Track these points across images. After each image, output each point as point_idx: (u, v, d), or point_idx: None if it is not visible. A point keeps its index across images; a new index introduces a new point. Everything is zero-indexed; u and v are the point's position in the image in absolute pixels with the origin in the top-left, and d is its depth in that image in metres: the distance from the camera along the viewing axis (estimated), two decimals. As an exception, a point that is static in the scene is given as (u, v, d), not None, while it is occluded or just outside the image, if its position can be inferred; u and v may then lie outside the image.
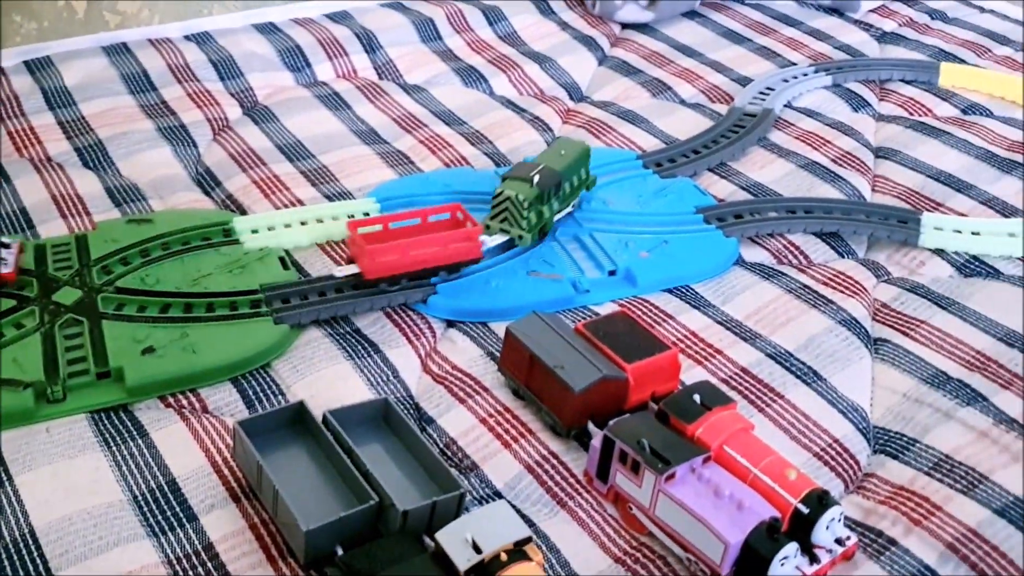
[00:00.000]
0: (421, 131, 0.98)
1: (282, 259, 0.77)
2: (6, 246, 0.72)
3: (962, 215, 0.89)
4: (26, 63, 1.03)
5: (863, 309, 0.76)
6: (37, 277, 0.72)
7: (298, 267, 0.78)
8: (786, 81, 1.09)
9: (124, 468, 0.59)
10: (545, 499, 0.60)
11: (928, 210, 0.89)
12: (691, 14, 1.28)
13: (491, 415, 0.65)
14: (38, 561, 0.53)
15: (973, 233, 0.85)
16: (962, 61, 1.18)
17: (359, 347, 0.70)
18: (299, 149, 0.94)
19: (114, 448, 0.61)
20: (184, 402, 0.65)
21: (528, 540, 0.52)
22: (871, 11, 1.31)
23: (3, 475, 0.58)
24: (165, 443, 0.61)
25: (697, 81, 1.11)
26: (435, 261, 0.74)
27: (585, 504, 0.59)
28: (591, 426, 0.62)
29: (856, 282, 0.79)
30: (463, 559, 0.50)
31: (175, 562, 0.54)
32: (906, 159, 0.97)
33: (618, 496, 0.58)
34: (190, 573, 0.53)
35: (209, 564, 0.54)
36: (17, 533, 0.55)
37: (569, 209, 0.84)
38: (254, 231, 0.80)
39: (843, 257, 0.83)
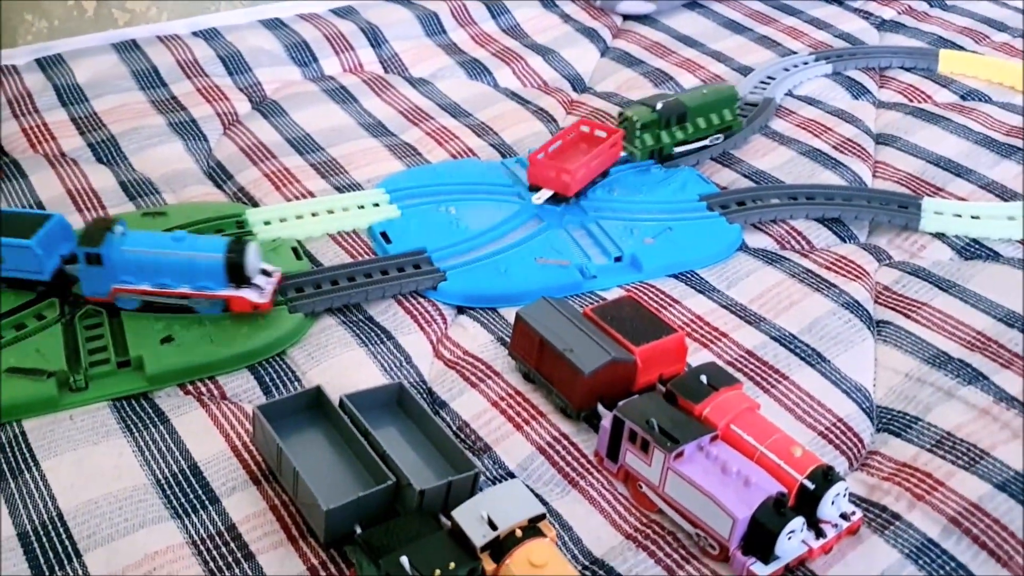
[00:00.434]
0: (427, 123, 1.00)
1: (295, 249, 0.78)
2: (267, 274, 0.70)
3: (962, 199, 0.90)
4: (38, 61, 1.04)
5: (865, 292, 0.78)
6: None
7: (311, 257, 0.79)
8: (787, 70, 1.10)
9: (147, 453, 0.61)
10: (557, 479, 0.61)
11: (928, 195, 0.90)
12: (692, 4, 1.29)
13: (502, 398, 0.67)
14: (67, 543, 0.55)
15: (973, 217, 0.86)
16: (961, 48, 1.19)
17: (372, 334, 0.71)
18: (308, 142, 0.95)
19: (136, 434, 0.62)
20: (203, 389, 0.67)
21: (542, 517, 0.53)
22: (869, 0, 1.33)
23: (30, 461, 0.60)
24: (186, 429, 0.63)
25: (699, 71, 1.12)
26: (602, 167, 0.86)
27: (596, 483, 0.61)
28: (600, 408, 0.63)
29: (858, 266, 0.80)
30: (479, 535, 0.51)
31: (199, 542, 0.56)
32: (906, 145, 0.98)
33: (628, 475, 0.60)
34: (214, 553, 0.55)
35: (232, 544, 0.56)
36: (45, 516, 0.57)
37: (704, 144, 0.93)
38: (267, 223, 0.81)
39: (845, 242, 0.85)
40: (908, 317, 0.75)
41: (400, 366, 0.69)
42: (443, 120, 1.00)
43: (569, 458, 0.62)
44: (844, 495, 0.56)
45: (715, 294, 0.77)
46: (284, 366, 0.69)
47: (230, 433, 0.63)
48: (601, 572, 0.56)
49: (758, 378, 0.69)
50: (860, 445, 0.65)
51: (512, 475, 0.62)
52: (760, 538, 0.54)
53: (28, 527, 0.56)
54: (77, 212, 0.83)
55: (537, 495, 0.60)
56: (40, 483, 0.58)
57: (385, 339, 0.71)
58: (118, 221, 0.69)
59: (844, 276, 0.79)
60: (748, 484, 0.55)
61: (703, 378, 0.61)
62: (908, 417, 0.67)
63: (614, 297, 0.73)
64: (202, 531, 0.56)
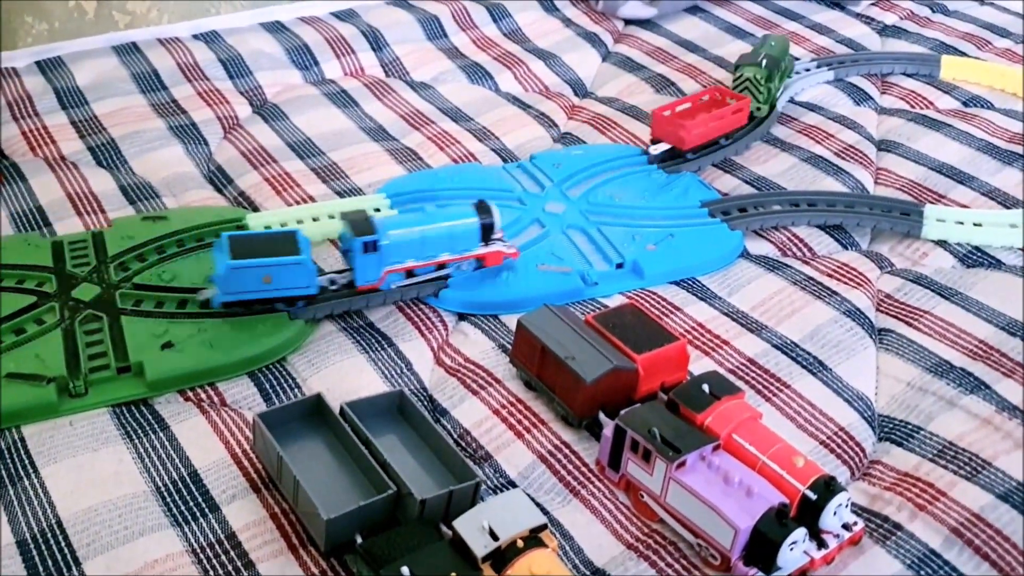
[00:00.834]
0: (429, 128, 1.00)
1: (295, 255, 0.78)
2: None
3: (964, 206, 0.90)
4: (38, 63, 1.04)
5: (867, 300, 0.77)
6: (56, 274, 0.74)
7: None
8: (789, 77, 1.10)
9: (147, 460, 0.61)
10: (558, 488, 0.61)
11: (930, 202, 0.90)
12: (693, 9, 1.29)
13: (504, 406, 0.66)
14: (65, 551, 0.55)
15: (975, 224, 0.86)
16: (963, 54, 1.19)
17: (373, 341, 0.71)
18: (309, 146, 0.95)
19: (136, 441, 0.62)
20: (203, 396, 0.66)
21: (543, 527, 0.53)
22: (872, 5, 1.32)
23: (29, 467, 0.60)
24: (186, 436, 0.63)
25: (700, 76, 1.12)
26: (720, 131, 0.93)
27: (597, 492, 0.61)
28: (602, 416, 0.63)
29: (860, 273, 0.80)
30: (480, 545, 0.51)
31: (199, 550, 0.55)
32: (908, 152, 0.98)
33: (629, 484, 0.60)
34: (214, 561, 0.55)
35: (232, 552, 0.55)
36: (44, 524, 0.56)
37: (783, 91, 1.02)
38: (267, 227, 0.81)
39: (847, 249, 0.84)
40: (910, 325, 0.75)
41: (401, 373, 0.69)
42: (444, 124, 1.00)
43: (570, 467, 0.62)
44: (846, 505, 0.56)
45: (717, 301, 0.77)
46: (284, 373, 0.68)
47: (230, 440, 0.63)
48: (602, 582, 0.55)
49: (759, 386, 0.69)
50: (862, 454, 0.65)
51: (513, 484, 0.61)
52: (762, 548, 0.54)
53: (27, 534, 0.56)
54: (77, 216, 0.83)
55: (538, 504, 0.59)
56: (39, 490, 0.58)
57: (386, 346, 0.71)
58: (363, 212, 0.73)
59: (846, 284, 0.79)
60: (750, 494, 0.55)
61: (705, 387, 0.61)
62: (910, 426, 0.66)
63: (616, 304, 0.73)
64: (202, 539, 0.56)
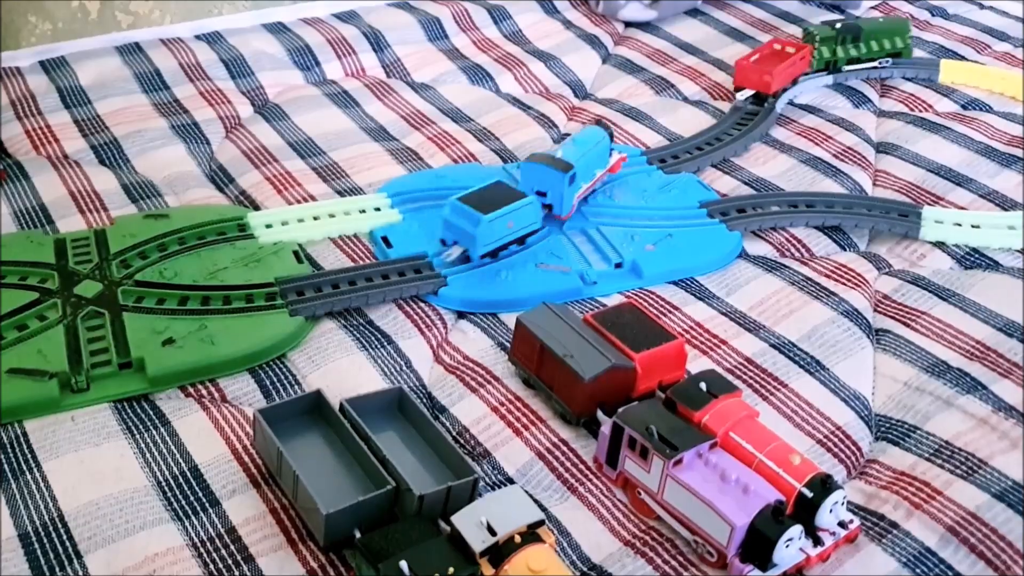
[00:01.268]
0: (429, 128, 1.00)
1: (296, 253, 0.78)
2: None
3: (962, 208, 0.90)
4: (41, 63, 1.05)
5: (864, 300, 0.78)
6: (58, 270, 0.74)
7: (311, 261, 0.79)
8: (788, 78, 1.10)
9: (148, 455, 0.61)
10: (556, 485, 0.61)
11: (929, 204, 0.90)
12: (693, 12, 1.30)
13: (502, 404, 0.67)
14: (67, 544, 0.55)
15: (973, 226, 0.87)
16: (962, 57, 1.19)
17: (372, 338, 0.72)
18: (310, 146, 0.96)
19: (137, 436, 0.63)
20: (204, 392, 0.67)
21: (541, 523, 0.53)
22: (872, 8, 1.33)
23: (31, 462, 0.60)
24: (187, 431, 0.63)
25: (700, 79, 1.13)
26: (793, 75, 1.05)
27: (595, 489, 0.61)
28: (600, 414, 0.63)
29: (858, 274, 0.81)
30: (478, 541, 0.52)
31: (199, 544, 0.56)
32: (907, 154, 0.99)
33: (627, 481, 0.60)
34: (214, 555, 0.55)
35: (232, 547, 0.56)
36: (47, 517, 0.57)
37: (873, 65, 1.10)
38: (268, 226, 0.81)
39: (845, 250, 0.85)
40: (907, 326, 0.76)
41: (400, 371, 0.69)
42: (445, 125, 1.01)
43: (568, 464, 0.63)
44: (842, 503, 0.56)
45: (715, 301, 0.77)
46: (284, 369, 0.69)
47: (231, 436, 0.63)
48: (599, 578, 0.56)
49: (757, 385, 0.69)
50: (859, 453, 0.65)
51: (511, 481, 0.62)
52: (758, 546, 0.54)
53: (29, 528, 0.56)
54: (79, 214, 0.84)
55: (536, 501, 0.60)
56: (41, 484, 0.59)
57: (385, 343, 0.71)
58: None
59: (844, 284, 0.79)
60: (746, 492, 0.55)
61: (703, 385, 0.61)
62: (907, 426, 0.67)
63: (614, 303, 0.73)
64: (202, 533, 0.57)
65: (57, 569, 0.54)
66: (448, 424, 0.66)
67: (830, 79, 1.11)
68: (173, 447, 0.62)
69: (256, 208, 0.86)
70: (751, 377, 0.70)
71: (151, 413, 0.64)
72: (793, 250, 0.84)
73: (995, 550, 0.57)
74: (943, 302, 0.78)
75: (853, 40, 1.09)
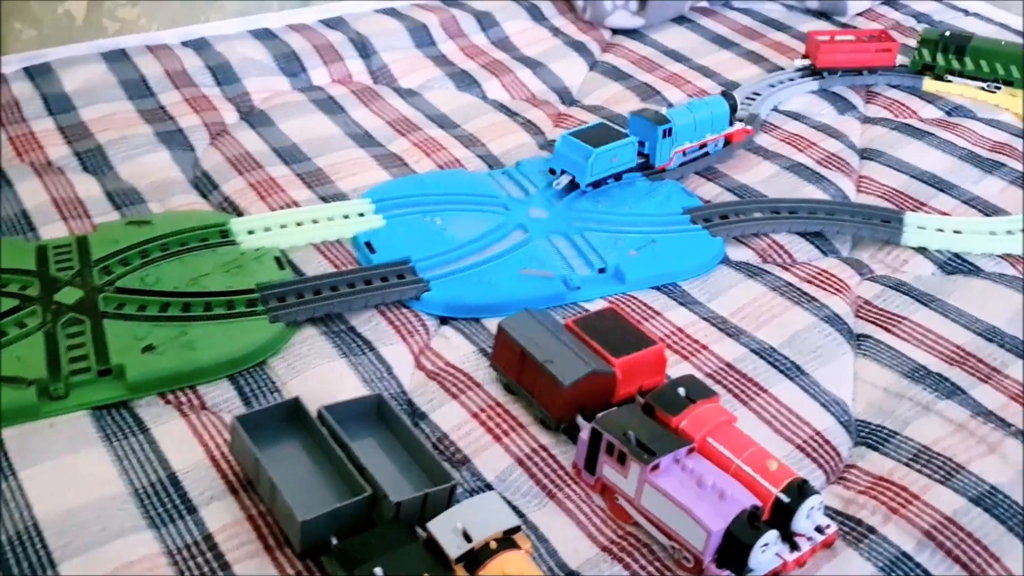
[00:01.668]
0: (415, 134, 1.00)
1: (278, 259, 0.78)
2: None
3: (945, 214, 0.90)
4: (26, 69, 1.05)
5: (846, 306, 0.78)
6: (39, 277, 0.74)
7: (294, 267, 0.79)
8: (773, 87, 1.11)
9: (125, 462, 0.61)
10: (535, 491, 0.61)
11: (911, 209, 0.91)
12: (680, 19, 1.30)
13: (483, 410, 0.67)
14: (41, 552, 0.55)
15: (955, 232, 0.87)
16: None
17: (353, 344, 0.72)
18: (295, 152, 0.96)
19: (116, 443, 0.62)
20: (183, 399, 0.67)
21: (517, 529, 0.53)
22: (858, 15, 1.33)
23: (8, 469, 0.60)
24: (165, 438, 0.63)
25: (685, 86, 1.13)
26: (859, 63, 1.11)
27: (573, 495, 0.61)
28: (580, 419, 0.63)
29: (839, 280, 0.81)
30: (453, 547, 0.52)
31: (175, 552, 0.56)
32: (890, 160, 0.99)
33: (605, 487, 0.60)
34: (190, 563, 0.55)
35: (208, 554, 0.56)
36: (21, 525, 0.56)
37: (981, 86, 1.10)
38: (251, 232, 0.81)
39: (827, 256, 0.85)
40: (888, 331, 0.76)
41: (381, 377, 0.69)
42: (431, 131, 1.01)
43: (547, 470, 0.63)
44: (819, 508, 0.57)
45: (697, 306, 0.78)
46: (264, 377, 0.69)
47: (209, 443, 0.63)
48: (576, 584, 0.56)
49: (737, 390, 0.69)
50: (838, 459, 0.65)
51: (490, 487, 0.62)
52: (734, 551, 0.54)
53: (3, 537, 0.56)
54: (62, 221, 0.84)
55: (514, 507, 0.60)
56: (17, 492, 0.58)
57: (366, 350, 0.71)
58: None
59: (825, 290, 0.79)
60: (723, 497, 0.55)
61: (681, 391, 0.61)
62: (886, 431, 0.67)
63: (596, 309, 0.73)
64: (179, 540, 0.56)
65: (32, 577, 0.54)
66: (428, 430, 0.66)
67: (814, 84, 1.12)
68: (151, 454, 0.62)
69: (239, 214, 0.86)
70: (731, 382, 0.70)
71: (130, 420, 0.64)
72: (775, 256, 0.84)
73: (971, 554, 0.57)
74: (924, 307, 0.78)
75: (957, 51, 1.10)
